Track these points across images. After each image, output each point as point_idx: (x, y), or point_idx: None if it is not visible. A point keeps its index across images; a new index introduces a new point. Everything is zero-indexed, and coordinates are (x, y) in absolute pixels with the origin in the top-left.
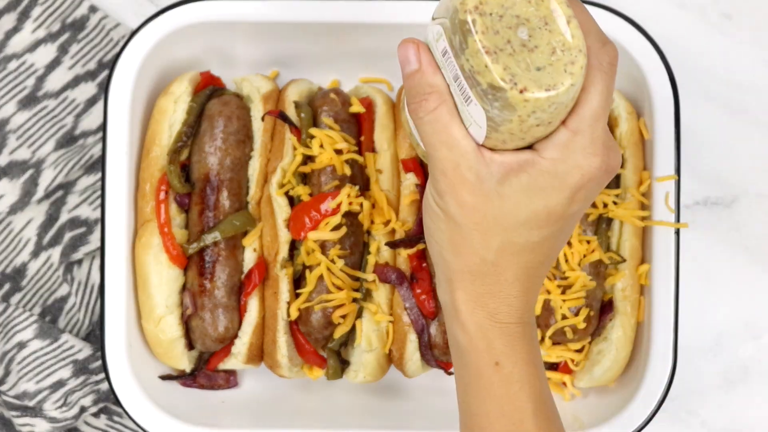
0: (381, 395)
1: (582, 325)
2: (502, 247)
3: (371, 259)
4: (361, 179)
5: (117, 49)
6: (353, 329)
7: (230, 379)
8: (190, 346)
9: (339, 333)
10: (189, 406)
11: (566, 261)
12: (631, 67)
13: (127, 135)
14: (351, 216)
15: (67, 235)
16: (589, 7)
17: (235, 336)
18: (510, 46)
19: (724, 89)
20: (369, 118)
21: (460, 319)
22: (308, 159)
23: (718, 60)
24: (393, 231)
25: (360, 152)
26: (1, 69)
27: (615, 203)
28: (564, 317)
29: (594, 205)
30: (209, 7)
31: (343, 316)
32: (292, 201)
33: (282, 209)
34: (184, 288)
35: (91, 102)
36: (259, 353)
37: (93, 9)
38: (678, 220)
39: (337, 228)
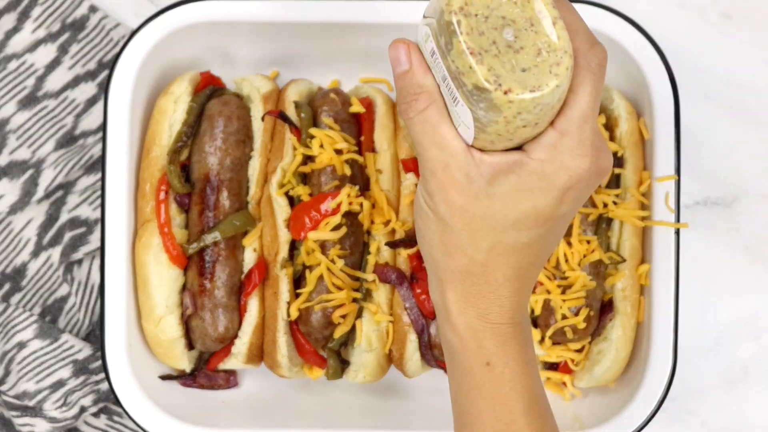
0: (381, 395)
1: (582, 325)
2: (491, 247)
3: (371, 259)
4: (361, 179)
5: (117, 49)
6: (353, 329)
7: (230, 379)
8: (190, 346)
9: (339, 333)
10: (189, 406)
11: (566, 261)
12: (631, 67)
13: (127, 135)
14: (351, 216)
15: (67, 235)
16: (589, 7)
17: (235, 336)
18: (495, 47)
19: (724, 89)
20: (369, 118)
21: (450, 320)
22: (308, 159)
23: (718, 60)
24: (393, 231)
25: (360, 152)
26: (1, 69)
27: (615, 203)
28: (564, 317)
29: (594, 205)
30: (209, 7)
31: (343, 316)
32: (292, 201)
33: (282, 209)
34: (184, 288)
35: (91, 102)
36: (259, 353)
37: (93, 9)
38: (678, 220)
39: (337, 228)
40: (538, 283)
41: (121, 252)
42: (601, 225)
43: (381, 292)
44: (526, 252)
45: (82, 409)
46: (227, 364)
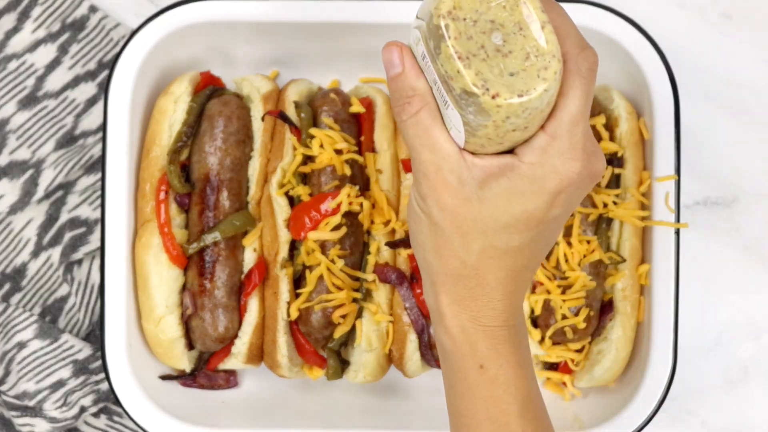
0: (381, 395)
1: (582, 325)
2: (482, 250)
3: (371, 259)
4: (361, 179)
5: (117, 49)
6: (353, 329)
7: (230, 379)
8: (190, 346)
9: (339, 333)
10: (189, 406)
11: (566, 261)
12: (631, 67)
13: (127, 135)
14: (351, 216)
15: (67, 235)
16: (589, 8)
17: (235, 336)
18: (483, 51)
19: (724, 89)
20: (369, 118)
21: (444, 323)
22: (308, 159)
23: (718, 60)
24: (393, 231)
25: (360, 152)
26: (1, 69)
27: (615, 203)
28: (564, 317)
29: (594, 205)
30: (209, 7)
31: (343, 316)
32: (292, 201)
33: (282, 209)
34: (184, 288)
35: (91, 102)
36: (259, 353)
37: (93, 9)
38: (678, 220)
39: (337, 228)
40: (538, 283)
41: (121, 252)
42: (601, 225)
43: (381, 292)
44: (518, 255)
45: (82, 409)
46: (227, 364)
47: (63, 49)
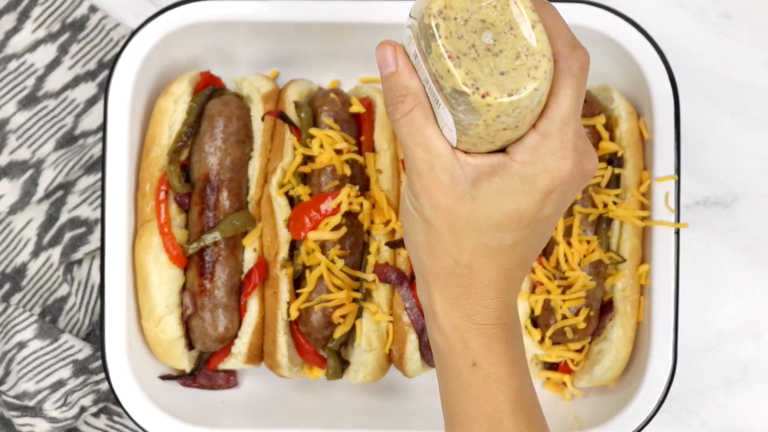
0: (381, 395)
1: (582, 325)
2: (475, 249)
3: (371, 259)
4: (361, 179)
5: (117, 49)
6: (353, 329)
7: (230, 379)
8: (190, 346)
9: (339, 333)
10: (189, 406)
11: (566, 261)
12: (631, 67)
13: (127, 135)
14: (351, 216)
15: (67, 235)
16: (589, 7)
17: (235, 336)
18: (474, 50)
19: (724, 89)
20: (369, 118)
21: (437, 321)
22: (308, 159)
23: (718, 60)
24: (393, 231)
25: (360, 152)
26: (1, 69)
27: (615, 203)
28: (564, 317)
29: (594, 205)
30: (209, 7)
31: (343, 316)
32: (292, 201)
33: (282, 209)
34: (184, 288)
35: (91, 102)
36: (259, 353)
37: (93, 9)
38: (678, 220)
39: (337, 228)
40: (538, 283)
41: (121, 252)
42: (601, 225)
43: (381, 292)
44: (511, 253)
45: (82, 409)
46: (227, 364)
47: (63, 49)
